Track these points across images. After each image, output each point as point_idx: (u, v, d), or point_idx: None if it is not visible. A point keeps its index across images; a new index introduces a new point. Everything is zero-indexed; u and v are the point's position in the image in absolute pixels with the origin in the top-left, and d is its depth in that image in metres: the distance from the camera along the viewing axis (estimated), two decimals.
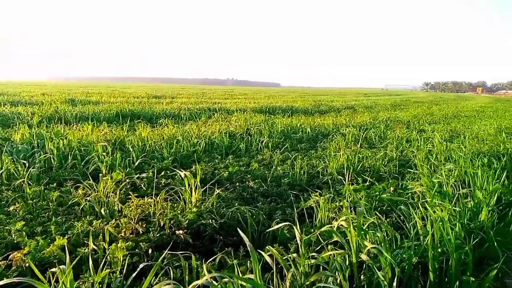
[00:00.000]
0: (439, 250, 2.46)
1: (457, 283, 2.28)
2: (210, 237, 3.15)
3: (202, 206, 3.52)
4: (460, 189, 3.90)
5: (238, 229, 2.47)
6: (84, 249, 2.58)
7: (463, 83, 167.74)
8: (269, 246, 2.52)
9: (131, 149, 5.43)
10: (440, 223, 2.58)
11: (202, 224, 3.21)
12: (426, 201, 3.48)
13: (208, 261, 2.44)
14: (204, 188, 3.85)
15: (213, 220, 3.25)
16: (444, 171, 4.77)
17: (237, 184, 4.46)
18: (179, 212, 3.33)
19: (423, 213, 2.95)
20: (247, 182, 4.52)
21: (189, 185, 3.67)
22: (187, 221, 3.18)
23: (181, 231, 3.05)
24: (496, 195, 3.77)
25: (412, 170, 5.22)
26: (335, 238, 2.54)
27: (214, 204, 3.61)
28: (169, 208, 3.36)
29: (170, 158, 5.47)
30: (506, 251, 3.27)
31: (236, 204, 3.67)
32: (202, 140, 6.74)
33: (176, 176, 4.45)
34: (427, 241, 2.39)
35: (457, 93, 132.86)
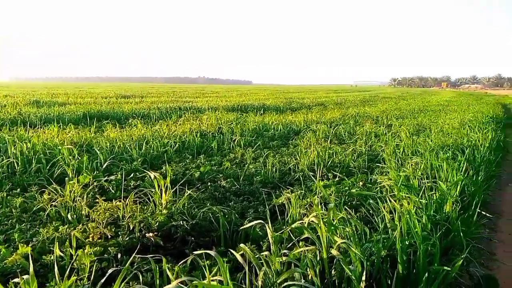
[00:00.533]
0: (407, 242, 2.53)
1: (425, 274, 2.34)
2: (181, 238, 3.11)
3: (173, 208, 3.47)
4: (426, 182, 4.03)
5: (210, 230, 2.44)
6: (50, 257, 2.49)
7: (429, 78, 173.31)
8: (242, 245, 2.52)
9: (98, 152, 5.28)
10: (408, 216, 2.65)
11: (173, 225, 3.17)
12: (394, 194, 3.58)
13: (180, 263, 2.40)
14: (175, 189, 3.80)
15: (185, 222, 3.22)
16: (411, 165, 4.92)
17: (209, 184, 4.43)
18: (149, 214, 3.27)
19: (391, 207, 3.02)
20: (219, 182, 4.50)
21: (159, 186, 3.61)
22: (157, 224, 3.13)
23: (151, 234, 3.00)
24: (460, 186, 3.92)
25: (380, 165, 5.35)
26: (306, 235, 2.56)
27: (185, 205, 3.56)
28: (138, 211, 3.29)
29: (139, 160, 5.36)
30: (470, 240, 3.41)
31: (208, 204, 3.64)
32: (172, 140, 6.66)
33: (146, 178, 4.36)
34: (395, 234, 2.45)
35: (423, 88, 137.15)
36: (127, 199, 3.41)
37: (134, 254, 2.46)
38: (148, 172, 3.85)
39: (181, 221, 3.21)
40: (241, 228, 3.09)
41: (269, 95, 32.01)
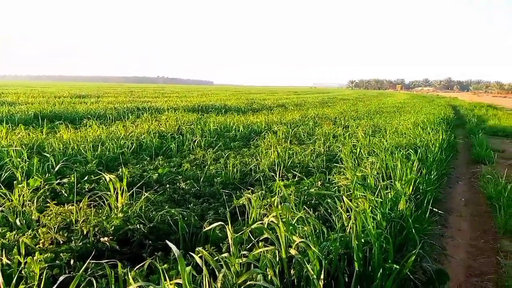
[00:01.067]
0: (363, 240, 2.60)
1: (380, 270, 2.42)
2: (138, 242, 3.02)
3: (130, 211, 3.36)
4: (381, 180, 4.17)
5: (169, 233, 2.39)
6: None
7: (384, 81, 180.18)
8: (200, 248, 2.49)
9: (48, 154, 5.02)
10: (363, 214, 2.72)
11: (130, 229, 3.08)
12: (351, 193, 3.67)
13: (136, 267, 2.33)
14: (132, 191, 3.69)
15: (142, 225, 3.13)
16: (368, 164, 5.07)
17: (168, 186, 4.34)
18: (104, 218, 3.15)
19: (347, 205, 3.09)
20: (178, 184, 4.42)
21: (115, 189, 3.49)
22: (113, 228, 3.02)
23: (106, 238, 2.89)
24: (413, 185, 4.08)
25: (338, 164, 5.48)
26: (266, 235, 2.57)
27: (143, 208, 3.46)
28: (93, 215, 3.15)
29: (94, 162, 5.15)
30: (423, 236, 3.56)
31: (166, 206, 3.56)
32: (130, 141, 6.47)
33: (102, 181, 4.20)
34: (351, 232, 2.51)
35: (379, 90, 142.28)
36: (81, 203, 3.27)
37: (88, 260, 2.36)
38: (104, 174, 3.71)
39: (138, 225, 3.12)
40: (201, 230, 3.05)
41: (230, 96, 31.98)
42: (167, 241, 2.81)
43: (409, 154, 5.63)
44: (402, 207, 3.43)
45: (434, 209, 4.13)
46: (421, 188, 4.40)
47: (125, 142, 6.44)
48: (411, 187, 3.96)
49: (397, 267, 2.43)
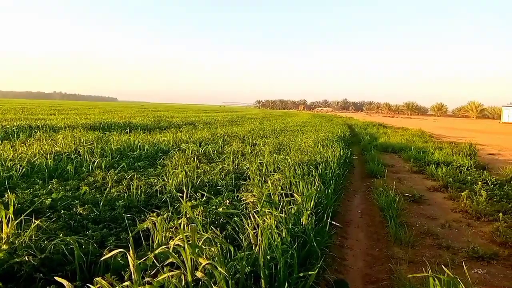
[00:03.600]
0: (269, 256, 2.64)
1: (286, 285, 2.46)
2: (27, 276, 2.68)
3: (17, 242, 2.98)
4: (286, 196, 4.31)
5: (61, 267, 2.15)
6: None
7: (288, 101, 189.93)
8: (98, 278, 2.29)
9: None
10: (269, 230, 2.77)
11: (16, 262, 2.72)
12: (258, 210, 3.72)
13: None
14: (20, 219, 3.28)
15: (31, 257, 2.79)
16: (273, 181, 5.22)
17: (63, 211, 3.94)
18: None
19: (254, 223, 3.13)
20: (75, 209, 4.05)
21: None
22: None
23: None
24: (314, 199, 4.29)
25: (246, 182, 5.55)
26: (172, 259, 2.46)
27: (33, 237, 3.10)
28: None
29: None
30: (324, 249, 3.74)
31: (61, 234, 3.23)
32: (19, 163, 5.79)
33: None
34: (257, 250, 2.53)
35: (284, 110, 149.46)
36: None
37: None
38: None
39: (26, 257, 2.77)
40: (101, 259, 2.81)
41: (135, 113, 30.79)
42: (58, 275, 2.56)
43: (310, 170, 5.94)
44: (304, 221, 3.57)
45: (333, 222, 4.38)
46: (321, 202, 4.63)
47: (13, 164, 5.76)
48: (312, 202, 4.15)
49: (307, 274, 2.50)
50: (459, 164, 9.63)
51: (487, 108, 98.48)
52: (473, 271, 3.81)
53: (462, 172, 8.69)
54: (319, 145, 9.60)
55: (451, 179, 7.94)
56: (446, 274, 2.51)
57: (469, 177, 8.09)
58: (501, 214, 5.39)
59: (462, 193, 6.63)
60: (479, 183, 7.30)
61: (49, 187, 4.88)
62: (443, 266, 2.90)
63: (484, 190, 6.66)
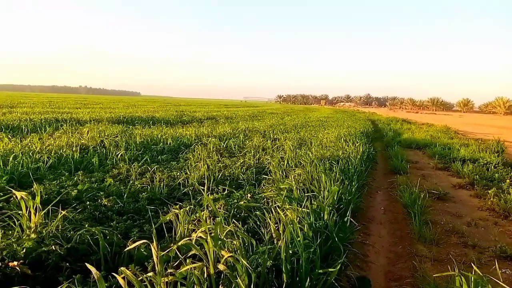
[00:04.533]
0: (291, 251, 2.63)
1: (308, 280, 2.45)
2: (54, 265, 2.75)
3: (44, 231, 3.07)
4: (307, 191, 4.29)
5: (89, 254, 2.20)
6: None
7: (310, 96, 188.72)
8: (123, 268, 2.33)
9: None
10: (291, 225, 2.76)
11: (44, 251, 2.80)
12: (279, 205, 3.71)
13: None
14: (47, 210, 3.38)
15: (58, 246, 2.87)
16: (294, 176, 5.19)
17: (88, 203, 4.03)
18: (14, 240, 2.84)
19: (276, 217, 3.12)
20: (99, 200, 4.14)
21: (27, 208, 3.16)
22: (24, 250, 2.72)
23: (15, 263, 2.59)
24: (337, 195, 4.25)
25: (267, 176, 5.55)
26: (194, 251, 2.48)
27: (59, 227, 3.18)
28: (0, 237, 2.83)
29: (5, 178, 4.66)
30: (347, 245, 3.71)
31: (86, 225, 3.30)
32: (46, 155, 5.96)
33: (12, 199, 3.80)
34: (280, 244, 2.53)
35: (305, 105, 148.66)
36: None
37: None
38: (14, 192, 3.35)
39: (53, 246, 2.84)
40: (125, 250, 2.87)
41: (158, 108, 31.19)
42: (84, 264, 2.62)
43: (332, 165, 5.88)
44: (326, 217, 3.54)
45: (354, 219, 4.33)
46: (344, 198, 4.59)
47: (41, 156, 5.93)
48: (334, 197, 4.11)
49: (326, 273, 2.48)
50: (486, 161, 9.34)
51: None
52: (501, 271, 3.70)
53: (489, 169, 8.43)
54: (341, 141, 9.49)
55: (477, 176, 7.72)
56: (474, 272, 2.43)
57: (496, 175, 7.83)
58: None
59: (489, 191, 6.43)
60: (507, 180, 7.07)
61: (75, 178, 5.00)
62: (472, 264, 2.82)
63: None
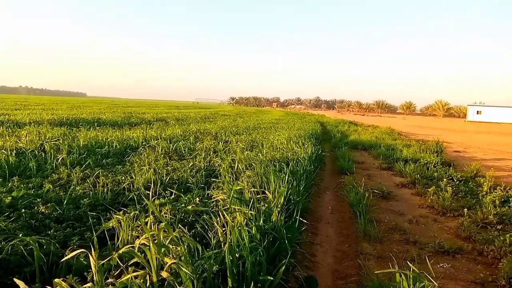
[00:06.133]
0: (237, 255, 2.60)
1: (252, 283, 2.43)
2: None
3: None
4: (256, 194, 4.29)
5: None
6: None
7: (262, 99, 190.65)
8: (58, 280, 2.19)
9: None
10: (238, 228, 2.74)
11: None
12: (227, 208, 3.68)
13: None
14: None
15: None
16: (245, 178, 5.18)
17: (24, 210, 3.76)
18: None
19: (223, 221, 3.08)
20: (36, 207, 3.88)
21: None
22: None
23: None
24: (285, 196, 4.28)
25: (217, 179, 5.49)
26: (137, 259, 2.39)
27: None
28: None
29: None
30: (295, 245, 3.74)
31: (21, 234, 3.07)
32: None
33: None
34: (225, 248, 2.49)
35: (257, 107, 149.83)
36: None
37: None
38: None
39: None
40: (62, 259, 2.70)
41: (105, 109, 30.03)
42: (15, 277, 2.43)
43: (282, 166, 5.94)
44: (275, 218, 3.55)
45: (303, 219, 4.39)
46: (292, 198, 4.64)
47: None
48: (283, 198, 4.14)
49: (271, 278, 2.48)
50: (426, 161, 9.92)
51: (453, 107, 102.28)
52: (438, 265, 3.92)
53: (429, 168, 8.95)
54: (291, 142, 9.63)
55: (418, 175, 8.16)
56: (411, 270, 2.55)
57: (435, 174, 8.34)
58: (466, 209, 5.57)
59: (429, 189, 6.82)
60: (445, 179, 7.53)
61: (10, 184, 4.65)
62: (408, 262, 2.96)
63: (449, 186, 6.88)
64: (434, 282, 2.50)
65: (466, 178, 8.01)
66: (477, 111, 66.95)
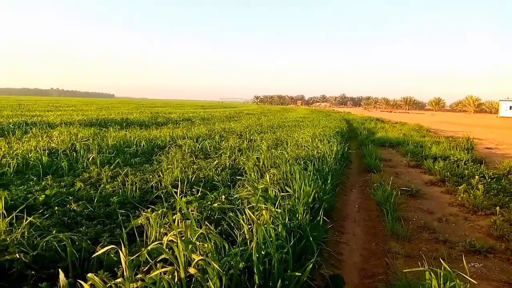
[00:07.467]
0: (264, 252, 2.61)
1: (279, 281, 2.43)
2: (19, 274, 2.65)
3: (8, 239, 2.94)
4: (281, 192, 4.28)
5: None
6: None
7: (286, 97, 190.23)
8: (91, 274, 2.26)
9: None
10: (264, 226, 2.74)
11: (7, 260, 2.68)
12: (253, 206, 3.69)
13: None
14: (12, 216, 3.25)
15: (23, 254, 2.75)
16: (270, 176, 5.19)
17: (57, 208, 3.91)
18: None
19: (250, 218, 3.09)
20: (69, 205, 4.01)
21: None
22: None
23: None
24: (311, 194, 4.26)
25: (243, 177, 5.52)
26: (165, 255, 2.43)
27: (25, 234, 3.06)
28: None
29: None
30: (321, 243, 3.72)
31: (54, 231, 3.19)
32: (12, 160, 5.74)
33: None
34: (252, 245, 2.50)
35: (282, 105, 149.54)
36: None
37: None
38: None
39: (17, 254, 2.73)
40: (93, 255, 2.78)
41: (133, 109, 30.71)
42: (50, 272, 2.53)
43: (307, 165, 5.90)
44: (300, 216, 3.54)
45: (329, 217, 4.36)
46: (318, 197, 4.61)
47: (7, 161, 5.71)
48: (308, 196, 4.12)
49: (298, 274, 2.48)
50: (456, 158, 9.62)
51: (484, 102, 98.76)
52: (470, 265, 3.80)
53: (460, 166, 8.68)
54: (317, 140, 9.56)
55: (448, 173, 7.93)
56: (442, 268, 2.48)
57: (466, 171, 8.08)
58: (498, 208, 5.38)
59: (459, 187, 6.62)
60: (476, 177, 7.29)
61: (43, 183, 4.84)
62: (441, 260, 2.88)
63: (481, 184, 6.65)
64: (473, 281, 2.41)
65: (499, 176, 7.72)
66: (510, 107, 64.36)
